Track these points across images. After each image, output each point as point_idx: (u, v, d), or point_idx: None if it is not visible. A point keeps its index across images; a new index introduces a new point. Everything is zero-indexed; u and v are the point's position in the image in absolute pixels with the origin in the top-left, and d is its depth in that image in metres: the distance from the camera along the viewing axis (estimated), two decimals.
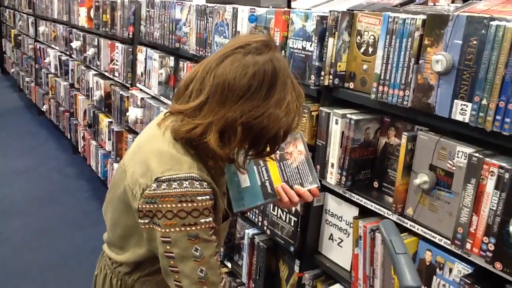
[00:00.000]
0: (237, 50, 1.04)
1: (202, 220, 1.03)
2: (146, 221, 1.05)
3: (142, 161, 1.08)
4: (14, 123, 6.31)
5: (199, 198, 1.02)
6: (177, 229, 1.02)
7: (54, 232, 3.53)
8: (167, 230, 1.02)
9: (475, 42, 1.13)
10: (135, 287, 1.22)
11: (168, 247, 1.03)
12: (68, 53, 4.77)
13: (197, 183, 1.02)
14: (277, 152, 1.29)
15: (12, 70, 8.25)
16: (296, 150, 1.33)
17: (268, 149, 1.12)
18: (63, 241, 3.38)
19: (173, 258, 1.04)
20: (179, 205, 1.01)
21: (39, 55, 5.97)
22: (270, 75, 1.02)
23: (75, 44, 4.35)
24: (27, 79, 6.96)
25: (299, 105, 1.10)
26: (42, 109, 6.12)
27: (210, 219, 1.05)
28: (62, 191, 4.24)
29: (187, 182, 1.01)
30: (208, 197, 1.04)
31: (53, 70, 5.36)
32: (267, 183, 1.29)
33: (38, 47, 5.96)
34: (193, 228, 1.02)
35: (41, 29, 5.73)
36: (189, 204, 1.01)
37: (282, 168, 1.31)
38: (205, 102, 1.04)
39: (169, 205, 1.01)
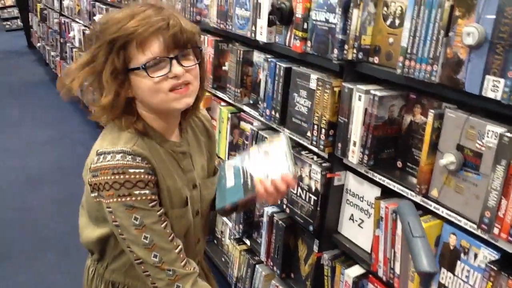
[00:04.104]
0: None
1: (136, 192, 1.06)
2: (96, 194, 1.10)
3: (98, 139, 1.15)
4: (40, 97, 6.39)
5: (131, 170, 1.05)
6: (115, 199, 1.06)
7: (75, 203, 3.54)
8: (108, 201, 1.07)
9: (510, 12, 1.04)
10: (105, 277, 1.24)
11: (112, 216, 1.08)
12: (91, 27, 4.75)
13: (129, 157, 1.06)
14: (260, 152, 1.26)
15: (39, 44, 8.32)
16: (279, 149, 1.25)
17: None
18: None
19: (119, 226, 1.09)
20: (112, 177, 1.05)
21: (64, 29, 5.98)
22: None
23: (98, 17, 4.33)
24: (52, 53, 7.00)
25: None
26: None
27: (147, 191, 1.07)
28: (84, 163, 4.28)
29: (119, 155, 1.05)
30: (142, 170, 1.06)
31: (77, 44, 5.36)
32: (249, 180, 1.25)
33: (62, 21, 5.97)
34: (128, 198, 1.06)
35: (66, 2, 5.73)
36: (121, 176, 1.04)
37: (264, 165, 1.26)
38: None
39: (105, 177, 1.05)
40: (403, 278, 1.39)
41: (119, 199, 1.05)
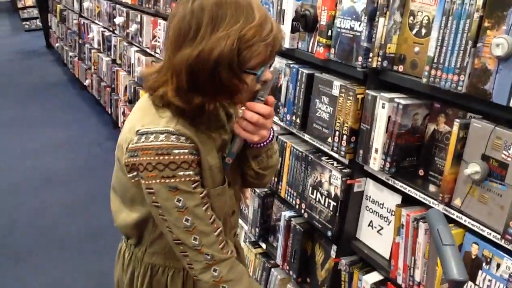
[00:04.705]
0: None
1: (181, 173, 1.04)
2: (134, 174, 1.09)
3: (131, 117, 1.13)
4: (57, 96, 6.48)
5: (176, 151, 1.03)
6: (158, 180, 1.05)
7: (93, 202, 3.62)
8: (149, 182, 1.06)
9: None
10: (145, 260, 1.24)
11: (153, 197, 1.07)
12: (111, 29, 4.82)
13: (174, 137, 1.04)
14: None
15: (57, 44, 8.44)
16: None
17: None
18: (101, 211, 3.45)
19: (159, 207, 1.08)
20: (156, 157, 1.03)
21: (83, 30, 6.06)
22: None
23: (118, 20, 4.39)
24: (70, 53, 7.10)
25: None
26: (85, 84, 6.25)
27: (190, 172, 1.06)
28: (101, 164, 4.34)
29: (163, 136, 1.03)
30: (186, 151, 1.04)
31: (96, 46, 5.44)
32: None
33: (82, 23, 6.05)
34: (172, 180, 1.04)
35: (86, 4, 5.80)
36: (166, 157, 1.03)
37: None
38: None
39: (148, 158, 1.03)
40: (429, 286, 1.40)
41: (162, 180, 1.04)
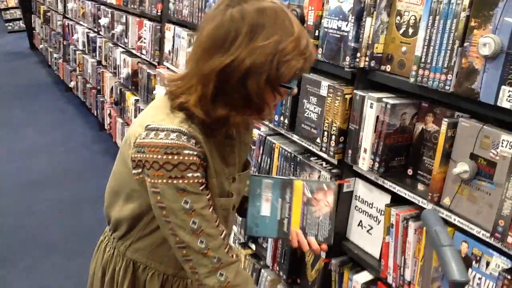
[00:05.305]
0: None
1: (189, 175, 1.02)
2: (139, 170, 1.05)
3: (143, 113, 1.12)
4: (42, 99, 6.40)
5: (186, 151, 1.00)
6: (164, 180, 1.01)
7: (80, 206, 3.59)
8: (155, 181, 1.02)
9: None
10: (127, 255, 1.21)
11: (158, 197, 1.03)
12: (96, 30, 4.77)
13: (185, 137, 1.01)
14: (306, 194, 1.29)
15: (41, 46, 8.34)
16: (325, 201, 1.31)
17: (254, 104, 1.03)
18: (88, 214, 3.42)
19: (164, 208, 1.04)
20: (164, 156, 1.00)
21: (67, 32, 6.00)
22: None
23: (103, 21, 4.35)
24: (55, 55, 7.02)
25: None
26: (70, 86, 6.18)
27: (199, 174, 1.04)
28: (88, 166, 4.29)
29: (174, 134, 1.00)
30: (195, 153, 1.02)
31: (81, 47, 5.38)
32: (285, 222, 1.30)
33: (66, 24, 5.99)
34: (180, 181, 1.01)
35: (70, 5, 5.75)
36: (175, 157, 1.00)
37: (305, 213, 1.31)
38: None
39: (155, 156, 1.00)
40: (425, 286, 1.40)
41: (169, 181, 1.01)
